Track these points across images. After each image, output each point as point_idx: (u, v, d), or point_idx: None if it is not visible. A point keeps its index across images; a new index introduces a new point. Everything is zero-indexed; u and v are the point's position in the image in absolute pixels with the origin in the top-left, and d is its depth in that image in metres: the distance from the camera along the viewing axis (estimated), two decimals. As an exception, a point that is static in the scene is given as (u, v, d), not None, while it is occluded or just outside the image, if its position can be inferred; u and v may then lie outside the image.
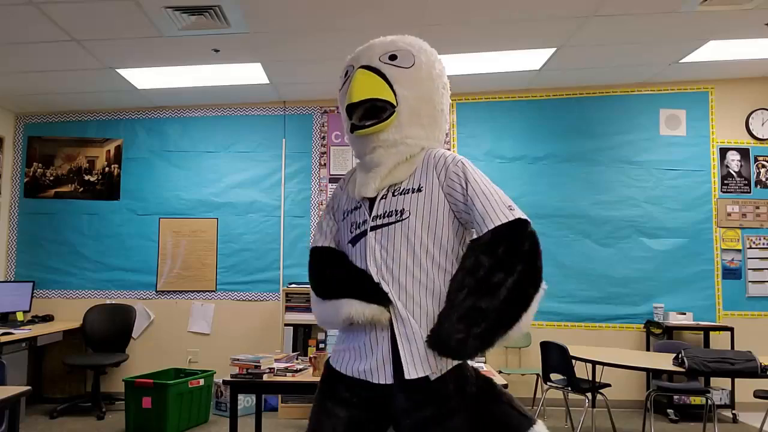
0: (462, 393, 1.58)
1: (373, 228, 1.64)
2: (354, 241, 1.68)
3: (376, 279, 1.60)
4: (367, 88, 1.63)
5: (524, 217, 1.54)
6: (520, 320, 1.46)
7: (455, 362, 1.59)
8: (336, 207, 1.83)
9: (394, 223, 1.61)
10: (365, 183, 1.67)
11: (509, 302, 1.45)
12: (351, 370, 1.66)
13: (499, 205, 1.56)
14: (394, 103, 1.65)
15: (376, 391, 1.62)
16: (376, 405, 1.64)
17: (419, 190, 1.62)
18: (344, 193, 1.80)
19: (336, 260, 1.74)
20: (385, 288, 1.58)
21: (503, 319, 1.46)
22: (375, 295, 1.59)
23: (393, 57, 1.69)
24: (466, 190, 1.59)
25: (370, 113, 1.66)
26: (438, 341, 1.50)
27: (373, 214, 1.65)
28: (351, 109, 1.67)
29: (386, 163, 1.66)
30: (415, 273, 1.58)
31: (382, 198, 1.66)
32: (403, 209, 1.61)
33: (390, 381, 1.60)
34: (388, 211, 1.63)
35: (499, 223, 1.52)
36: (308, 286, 4.82)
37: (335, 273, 1.71)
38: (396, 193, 1.64)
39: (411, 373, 1.55)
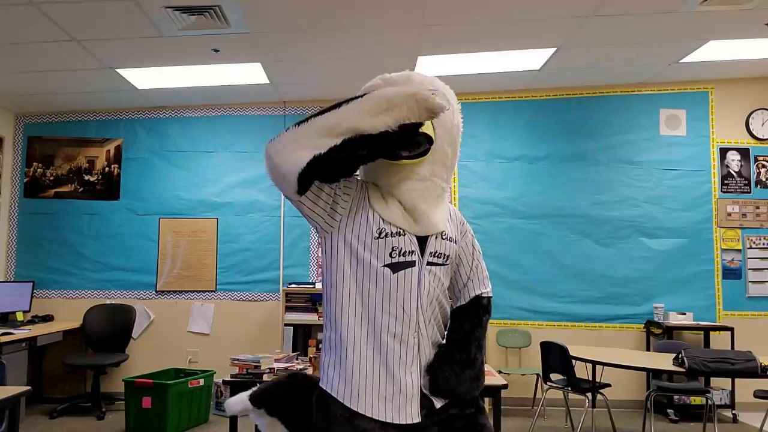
0: (480, 402, 1.80)
1: (429, 264, 1.66)
2: (396, 267, 1.62)
3: (422, 313, 1.65)
4: None
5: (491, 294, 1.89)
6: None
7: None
8: (353, 206, 1.65)
9: (440, 265, 1.69)
10: (416, 225, 1.66)
11: (481, 355, 1.79)
12: (373, 410, 1.58)
13: (487, 278, 1.86)
14: (433, 140, 1.65)
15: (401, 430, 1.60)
16: None
17: (455, 242, 1.76)
18: (371, 208, 1.65)
19: None
20: (422, 325, 1.65)
21: (481, 366, 1.79)
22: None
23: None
24: (473, 257, 1.84)
25: (404, 143, 1.63)
26: (449, 390, 1.68)
27: (429, 250, 1.67)
28: None
29: (422, 203, 1.67)
30: (440, 316, 1.74)
31: (434, 237, 1.69)
32: (449, 255, 1.72)
33: (417, 419, 1.60)
34: (438, 252, 1.69)
35: (486, 295, 1.84)
36: (308, 286, 4.80)
37: None
38: (443, 238, 1.71)
39: (438, 402, 1.66)
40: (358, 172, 1.75)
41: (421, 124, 1.55)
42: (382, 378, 1.60)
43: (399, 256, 1.62)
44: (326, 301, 1.69)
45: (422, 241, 1.66)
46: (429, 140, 1.64)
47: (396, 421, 1.58)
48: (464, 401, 1.71)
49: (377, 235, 1.62)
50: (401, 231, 1.64)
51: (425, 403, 1.62)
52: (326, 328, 1.69)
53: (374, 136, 1.50)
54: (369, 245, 1.62)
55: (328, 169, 1.53)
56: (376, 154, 1.56)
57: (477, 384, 1.74)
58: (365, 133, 1.49)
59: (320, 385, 1.67)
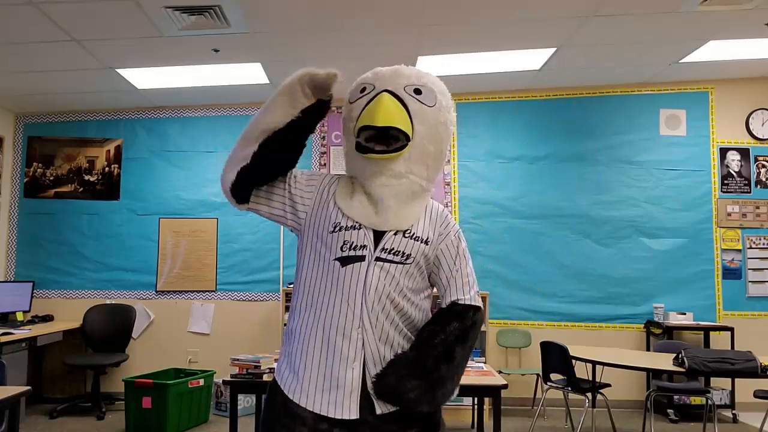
0: (437, 416, 1.69)
1: (377, 259, 1.62)
2: (345, 261, 1.62)
3: (366, 309, 1.59)
4: (393, 115, 1.61)
5: (480, 304, 1.73)
6: (456, 387, 1.68)
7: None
8: (316, 202, 1.70)
9: (396, 263, 1.63)
10: (376, 219, 1.64)
11: (457, 371, 1.65)
12: (307, 401, 1.59)
13: (473, 286, 1.73)
14: (410, 137, 1.64)
15: (340, 427, 1.58)
16: None
17: (426, 242, 1.67)
18: (333, 203, 1.68)
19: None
20: (366, 321, 1.59)
21: (452, 385, 1.65)
22: None
23: (418, 91, 1.67)
24: (455, 261, 1.72)
25: (380, 138, 1.64)
26: (390, 391, 1.57)
27: (381, 246, 1.63)
28: (365, 128, 1.64)
29: (390, 198, 1.65)
30: (396, 317, 1.64)
31: (393, 234, 1.64)
32: (410, 254, 1.64)
33: (355, 416, 1.57)
34: (395, 250, 1.63)
35: (464, 302, 1.69)
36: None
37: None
38: (407, 235, 1.65)
39: (382, 408, 1.59)
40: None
41: (324, 103, 1.66)
42: (322, 370, 1.60)
43: (350, 250, 1.62)
44: (292, 293, 1.76)
45: (379, 236, 1.64)
46: (406, 136, 1.63)
47: (330, 415, 1.57)
48: (410, 417, 1.61)
49: (332, 229, 1.65)
50: (357, 225, 1.64)
51: (366, 403, 1.58)
52: (288, 318, 1.76)
53: (284, 129, 1.62)
54: (325, 239, 1.65)
55: (256, 175, 1.67)
56: (293, 146, 1.67)
57: (429, 398, 1.58)
58: (276, 129, 1.63)
59: (274, 373, 1.73)
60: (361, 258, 1.61)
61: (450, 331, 1.62)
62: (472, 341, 1.69)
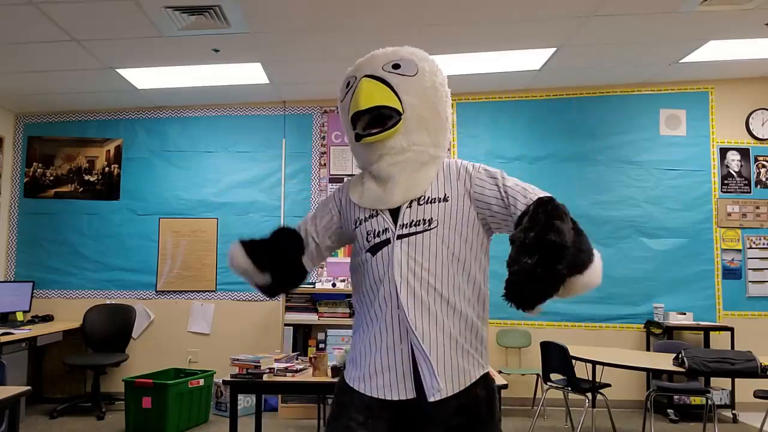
0: (490, 402, 1.64)
1: (399, 237, 1.61)
2: (374, 249, 1.64)
3: (399, 288, 1.59)
4: (373, 95, 1.63)
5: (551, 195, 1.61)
6: (593, 262, 1.52)
7: (478, 375, 1.64)
8: (333, 219, 1.81)
9: (422, 232, 1.61)
10: (385, 197, 1.65)
11: (569, 237, 1.47)
12: (365, 387, 1.63)
13: (530, 189, 1.65)
14: (401, 111, 1.65)
15: (395, 409, 1.59)
16: (395, 424, 1.61)
17: (445, 200, 1.65)
18: (349, 203, 1.75)
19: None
20: (403, 300, 1.58)
21: (573, 248, 1.46)
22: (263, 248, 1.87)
23: (396, 66, 1.69)
24: (497, 185, 1.66)
25: (376, 121, 1.65)
26: (517, 279, 1.38)
27: (399, 222, 1.63)
28: (356, 117, 1.67)
29: (399, 173, 1.65)
30: (439, 286, 1.60)
31: (407, 207, 1.64)
32: (431, 218, 1.62)
33: (411, 395, 1.58)
34: (415, 220, 1.62)
35: (545, 195, 1.58)
36: (308, 286, 4.89)
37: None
38: (422, 202, 1.64)
39: (433, 394, 1.56)
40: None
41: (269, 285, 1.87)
42: (375, 357, 1.63)
43: (374, 237, 1.65)
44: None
45: (397, 215, 1.65)
46: (397, 112, 1.65)
47: (385, 397, 1.60)
48: (467, 401, 1.59)
49: (354, 226, 1.72)
50: (374, 212, 1.67)
51: (421, 387, 1.58)
52: None
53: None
54: (355, 237, 1.73)
55: (281, 284, 1.89)
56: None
57: (565, 262, 1.40)
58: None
59: None
60: (387, 242, 1.63)
61: (540, 212, 1.49)
62: (567, 221, 1.52)
